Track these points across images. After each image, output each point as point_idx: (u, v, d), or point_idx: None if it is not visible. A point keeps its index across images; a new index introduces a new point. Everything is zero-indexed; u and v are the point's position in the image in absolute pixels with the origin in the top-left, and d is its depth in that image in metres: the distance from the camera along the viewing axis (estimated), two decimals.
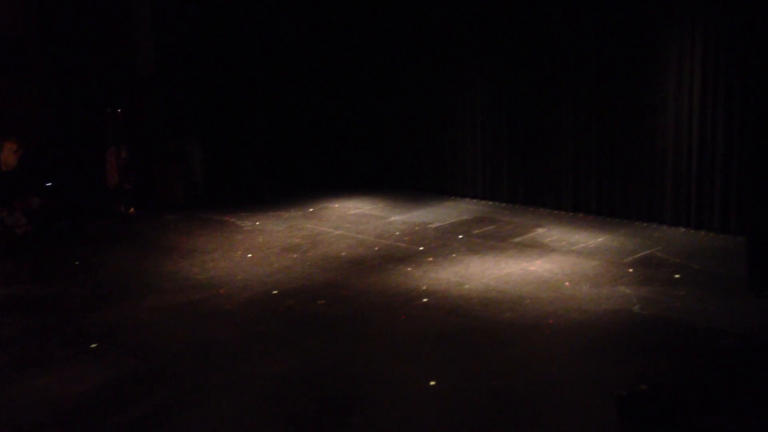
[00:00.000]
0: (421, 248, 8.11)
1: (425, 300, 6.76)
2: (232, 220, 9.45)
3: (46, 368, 5.69)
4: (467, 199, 10.03)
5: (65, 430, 4.88)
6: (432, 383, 5.26)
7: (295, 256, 8.01)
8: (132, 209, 9.79)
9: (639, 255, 7.63)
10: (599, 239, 8.18)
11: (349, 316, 6.51)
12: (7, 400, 5.28)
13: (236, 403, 5.10)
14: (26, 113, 9.58)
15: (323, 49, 11.13)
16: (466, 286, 6.99)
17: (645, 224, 8.53)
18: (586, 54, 8.77)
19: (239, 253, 8.18)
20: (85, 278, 7.64)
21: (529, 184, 9.52)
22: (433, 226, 8.90)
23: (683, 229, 8.32)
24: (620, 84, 8.59)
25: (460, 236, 8.46)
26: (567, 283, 6.97)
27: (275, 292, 7.06)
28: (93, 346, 6.05)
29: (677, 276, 7.05)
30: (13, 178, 9.11)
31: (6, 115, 9.41)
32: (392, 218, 9.31)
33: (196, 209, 9.88)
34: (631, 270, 7.25)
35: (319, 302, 6.79)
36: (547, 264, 7.48)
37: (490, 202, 9.80)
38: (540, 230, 8.57)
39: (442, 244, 8.21)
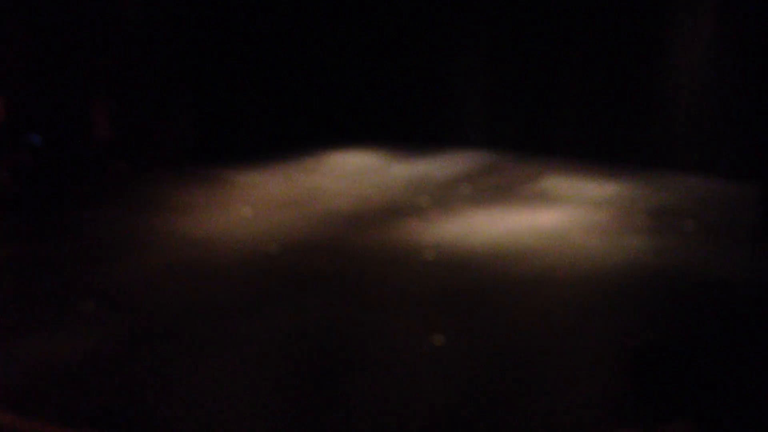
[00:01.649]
0: (425, 201, 7.95)
1: (430, 254, 6.62)
2: (228, 174, 9.28)
3: (40, 331, 5.54)
4: (470, 149, 9.82)
5: (63, 392, 4.71)
6: (437, 340, 5.14)
7: (293, 211, 7.85)
8: (123, 164, 9.58)
9: (650, 204, 7.48)
10: (609, 188, 8.02)
11: (350, 272, 6.37)
12: (2, 364, 5.12)
13: (236, 361, 4.96)
14: (10, 66, 9.32)
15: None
16: (472, 240, 6.84)
17: (656, 171, 8.35)
18: None
19: (236, 209, 8.03)
20: (77, 238, 7.47)
21: (535, 132, 9.32)
22: (436, 177, 8.74)
23: (695, 177, 8.15)
24: (630, 23, 8.33)
25: (465, 188, 8.29)
26: (576, 235, 6.84)
27: (274, 248, 6.90)
28: (88, 306, 5.90)
29: (689, 225, 6.91)
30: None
31: None
32: (393, 170, 9.15)
33: (190, 164, 9.71)
34: (642, 220, 7.10)
35: (319, 258, 6.65)
36: (556, 215, 7.32)
37: (495, 152, 9.60)
38: (548, 180, 8.41)
39: (446, 196, 8.05)
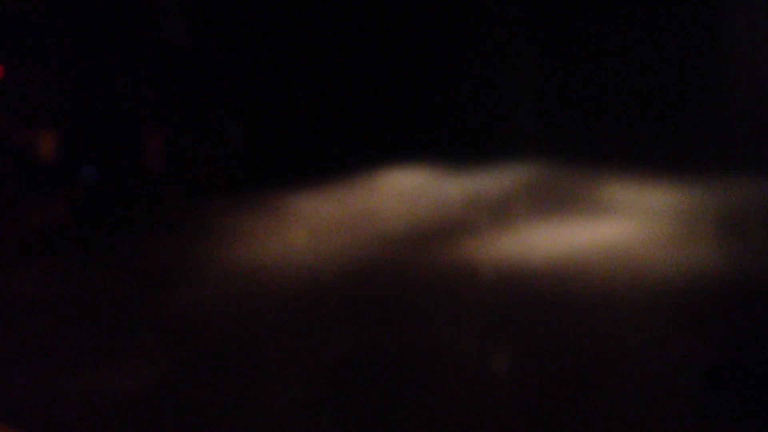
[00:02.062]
0: (480, 217, 7.81)
1: (487, 273, 6.47)
2: (280, 198, 9.27)
3: (94, 362, 5.55)
4: (524, 158, 9.65)
5: (116, 424, 4.70)
6: (497, 361, 5.00)
7: (347, 233, 7.79)
8: (176, 193, 9.66)
9: (718, 212, 7.20)
10: (673, 195, 7.77)
11: (407, 294, 6.27)
12: (56, 400, 5.12)
13: (292, 388, 4.90)
14: (60, 99, 9.50)
15: (365, 7, 10.77)
16: (530, 256, 6.69)
17: (724, 175, 8.03)
18: None
19: (289, 233, 8.01)
20: (131, 268, 7.52)
21: (593, 137, 9.08)
22: (491, 191, 8.59)
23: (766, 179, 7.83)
24: (691, 11, 8.05)
25: (521, 202, 8.13)
26: (640, 247, 6.62)
27: (328, 272, 6.84)
28: (143, 337, 5.91)
29: (762, 235, 6.63)
30: (51, 168, 9.05)
31: (40, 103, 9.34)
32: (447, 186, 9.04)
33: (242, 189, 9.75)
34: (709, 229, 6.84)
35: (375, 281, 6.57)
36: (618, 226, 7.12)
37: (550, 160, 9.41)
38: (608, 189, 8.19)
39: (501, 211, 7.90)
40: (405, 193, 8.92)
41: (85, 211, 8.83)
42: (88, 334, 6.12)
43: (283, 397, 4.81)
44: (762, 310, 5.45)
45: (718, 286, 5.88)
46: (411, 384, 4.89)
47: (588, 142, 9.13)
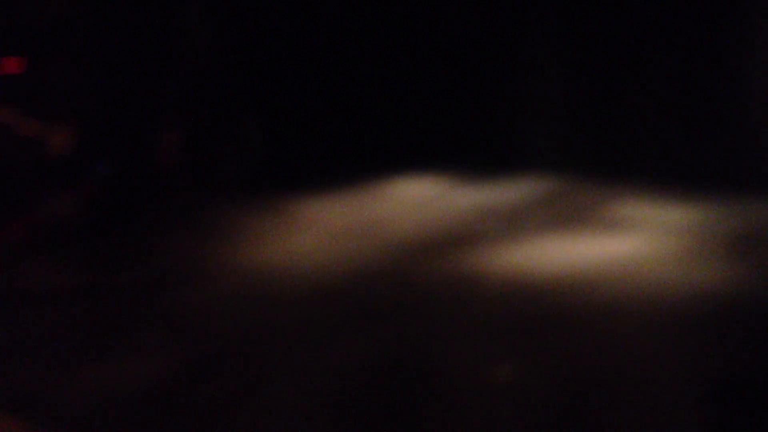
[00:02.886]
0: (491, 229, 7.78)
1: (496, 284, 6.44)
2: (292, 202, 9.27)
3: (104, 361, 5.55)
4: (538, 173, 9.62)
5: (125, 420, 4.68)
6: (507, 372, 4.97)
7: (357, 240, 7.77)
8: (189, 192, 9.68)
9: (730, 230, 7.15)
10: (685, 213, 7.72)
11: (415, 303, 6.24)
12: (69, 393, 5.13)
13: (300, 392, 4.88)
14: (80, 95, 9.54)
15: (383, 17, 10.79)
16: (541, 269, 6.65)
17: (737, 194, 7.99)
18: (668, 6, 8.23)
19: (300, 237, 7.99)
20: (142, 266, 7.53)
21: (607, 153, 9.04)
22: (503, 203, 8.56)
23: None
24: (708, 34, 8.03)
25: (533, 214, 8.10)
26: (650, 263, 6.58)
27: (336, 278, 6.83)
28: (152, 334, 5.91)
29: None
30: (67, 164, 9.08)
31: (60, 98, 9.38)
32: (458, 197, 9.02)
33: (255, 191, 9.76)
34: (721, 247, 6.79)
35: (384, 288, 6.55)
36: (629, 242, 7.07)
37: (564, 175, 9.38)
38: (620, 205, 8.15)
39: (513, 223, 7.86)
40: (416, 202, 8.91)
41: (98, 206, 8.85)
42: (97, 329, 6.13)
43: (289, 400, 4.78)
44: None
45: (728, 304, 5.84)
46: (419, 392, 4.87)
47: (601, 158, 9.11)
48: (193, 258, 7.57)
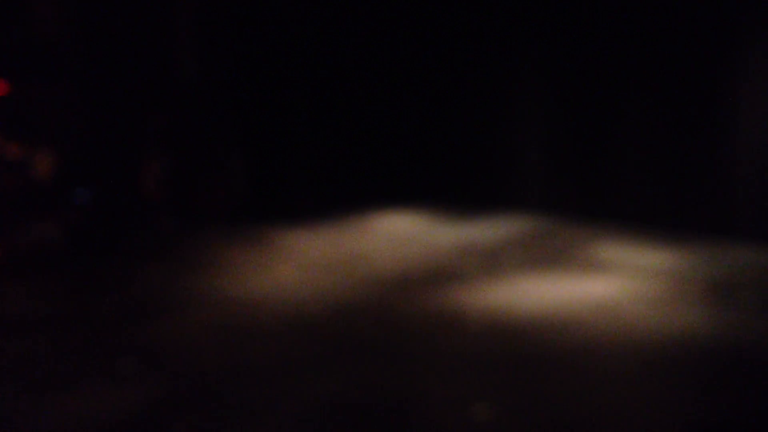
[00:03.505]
0: (471, 266, 7.77)
1: (475, 322, 6.41)
2: (274, 234, 9.24)
3: (76, 390, 5.45)
4: (520, 212, 9.66)
5: None
6: (483, 410, 4.92)
7: (338, 274, 7.74)
8: (171, 222, 9.63)
9: (708, 275, 7.18)
10: (665, 256, 7.74)
11: (394, 338, 6.19)
12: (36, 424, 5.03)
13: (275, 426, 4.80)
14: (64, 120, 9.50)
15: (372, 54, 10.88)
16: (520, 308, 6.63)
17: (717, 240, 8.05)
18: (652, 54, 8.34)
19: (281, 270, 7.95)
20: (121, 295, 7.45)
21: (589, 195, 9.10)
22: (484, 241, 8.56)
23: (759, 246, 7.83)
24: (693, 85, 8.14)
25: (513, 253, 8.10)
26: (629, 305, 6.57)
27: (317, 311, 6.78)
28: (127, 364, 5.81)
29: (752, 300, 6.59)
30: (49, 189, 9.02)
31: (43, 123, 9.33)
32: (440, 234, 9.01)
33: (238, 222, 9.72)
34: (699, 292, 6.81)
35: (363, 323, 6.50)
36: (608, 284, 7.07)
37: (545, 215, 9.42)
38: (601, 246, 8.17)
39: (493, 261, 7.86)
40: (398, 237, 8.90)
41: (78, 233, 8.78)
42: (71, 357, 6.03)
43: (265, 430, 4.74)
44: (749, 372, 5.40)
45: (703, 347, 5.83)
46: (396, 429, 4.81)
47: (583, 201, 9.15)
48: (173, 288, 7.51)
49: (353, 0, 10.83)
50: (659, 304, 6.52)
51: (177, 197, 9.52)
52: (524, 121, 9.56)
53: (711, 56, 7.96)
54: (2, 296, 7.43)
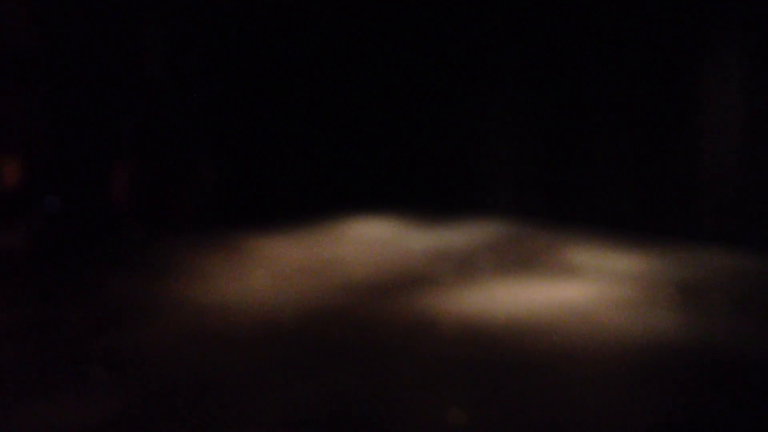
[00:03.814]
0: (445, 271, 7.78)
1: (449, 327, 6.43)
2: (246, 241, 9.20)
3: (45, 397, 5.38)
4: (493, 217, 9.71)
5: None
6: (457, 415, 4.92)
7: (311, 279, 7.72)
8: (141, 229, 9.55)
9: (679, 278, 7.26)
10: (636, 261, 7.81)
11: (368, 343, 6.19)
12: (6, 428, 4.96)
13: (252, 429, 4.78)
14: (31, 127, 9.39)
15: (343, 59, 10.89)
16: (493, 313, 6.66)
17: (686, 244, 8.16)
18: (621, 61, 8.45)
19: (253, 276, 7.91)
20: (90, 302, 7.37)
21: (561, 200, 9.18)
22: (457, 247, 8.59)
23: (727, 250, 7.93)
24: (660, 92, 8.25)
25: (486, 258, 8.13)
26: (601, 309, 6.62)
27: (290, 317, 6.75)
28: (97, 372, 5.75)
29: (721, 302, 6.67)
30: (15, 197, 8.90)
31: (10, 129, 9.22)
32: (413, 239, 9.02)
33: (209, 229, 9.65)
34: (669, 295, 6.88)
35: (337, 329, 6.48)
36: (580, 288, 7.12)
37: (518, 220, 9.48)
38: (573, 251, 8.23)
39: (466, 266, 7.88)
40: (371, 243, 8.90)
41: (46, 240, 8.68)
42: (41, 366, 5.96)
43: None
44: (716, 374, 5.46)
45: (674, 349, 5.89)
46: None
47: (554, 205, 9.22)
48: (144, 295, 7.44)
49: (325, 6, 10.84)
50: (631, 308, 6.58)
51: (146, 203, 9.45)
52: (496, 126, 9.61)
53: (677, 63, 8.07)
54: None
